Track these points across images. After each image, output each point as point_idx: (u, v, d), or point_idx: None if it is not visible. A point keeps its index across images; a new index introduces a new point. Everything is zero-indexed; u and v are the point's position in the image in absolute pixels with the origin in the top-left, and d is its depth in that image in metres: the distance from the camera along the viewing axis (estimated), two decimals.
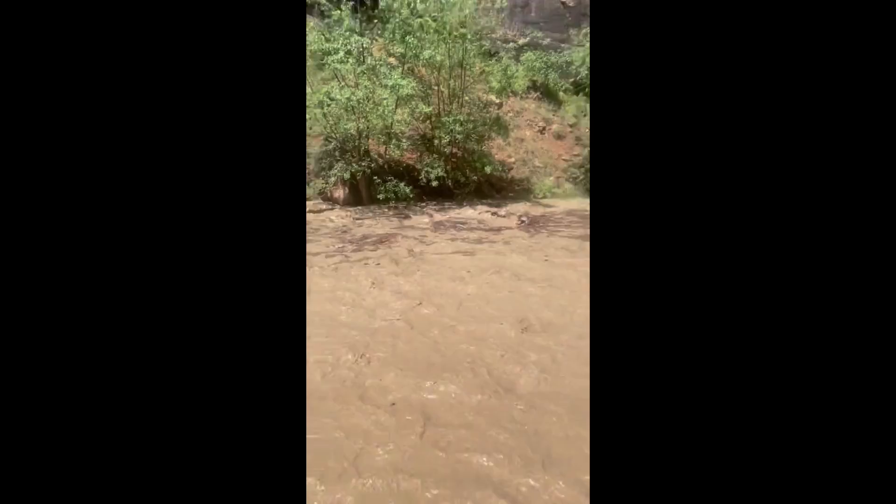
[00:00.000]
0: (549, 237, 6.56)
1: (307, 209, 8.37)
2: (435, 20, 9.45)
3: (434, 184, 9.27)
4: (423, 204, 9.50)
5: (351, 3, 9.89)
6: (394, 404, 2.19)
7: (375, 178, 9.14)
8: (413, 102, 9.37)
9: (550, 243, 6.03)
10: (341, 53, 8.66)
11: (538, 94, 13.65)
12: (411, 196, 9.17)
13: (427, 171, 9.37)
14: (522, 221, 8.14)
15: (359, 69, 8.83)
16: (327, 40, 8.87)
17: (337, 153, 9.19)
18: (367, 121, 8.94)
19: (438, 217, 8.24)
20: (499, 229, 7.17)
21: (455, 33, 9.42)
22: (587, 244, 5.75)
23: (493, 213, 8.49)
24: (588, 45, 13.19)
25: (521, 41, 13.97)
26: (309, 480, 1.66)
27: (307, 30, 8.77)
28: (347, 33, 9.02)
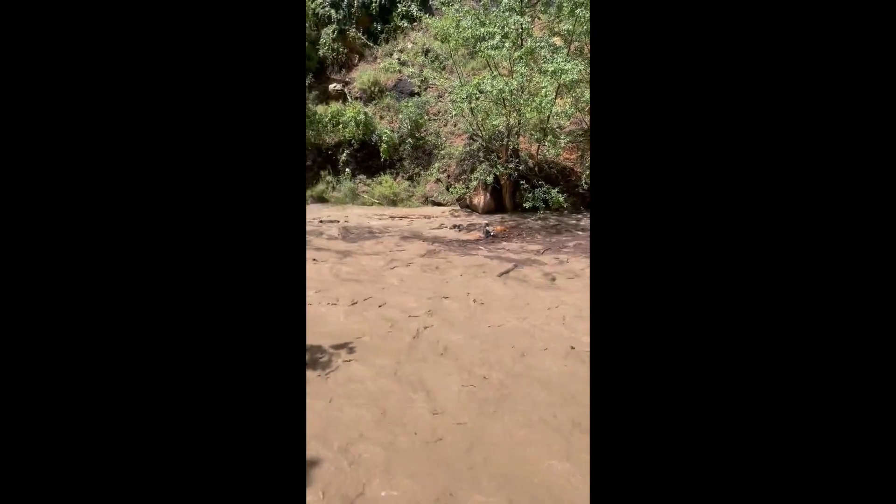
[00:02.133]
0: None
1: (444, 215, 7.53)
2: None
3: None
4: (580, 215, 7.69)
5: None
6: None
7: (523, 182, 7.73)
8: (578, 89, 7.56)
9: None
10: (497, 38, 7.45)
11: None
12: (565, 205, 7.46)
13: (588, 175, 7.49)
14: (488, 233, 6.46)
15: (515, 54, 7.50)
16: (482, 24, 7.75)
17: (481, 153, 8.08)
18: (520, 115, 7.56)
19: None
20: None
21: None
22: None
23: None
24: None
25: None
26: None
27: (462, 14, 7.83)
28: (506, 14, 7.73)
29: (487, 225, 6.89)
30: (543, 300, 3.88)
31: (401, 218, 7.87)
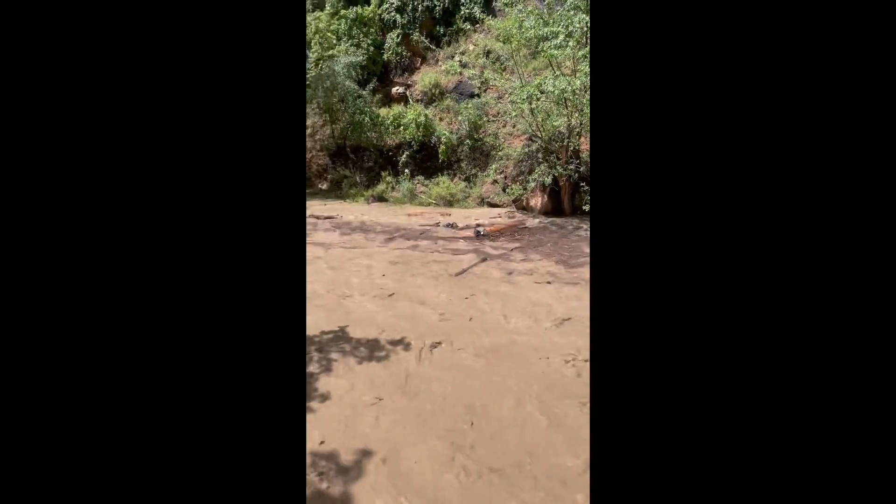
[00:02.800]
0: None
1: (500, 216, 7.49)
2: None
3: None
4: None
5: None
6: None
7: (583, 184, 7.50)
8: None
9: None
10: (560, 37, 7.30)
11: None
12: None
13: None
14: (478, 233, 6.48)
15: (579, 53, 7.30)
16: (546, 23, 7.63)
17: (540, 154, 7.95)
18: (582, 115, 7.36)
19: None
20: None
21: None
22: None
23: None
24: None
25: None
26: None
27: (525, 15, 7.76)
28: (571, 12, 7.55)
29: (478, 225, 6.97)
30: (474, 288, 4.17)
31: (417, 215, 8.10)
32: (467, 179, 9.59)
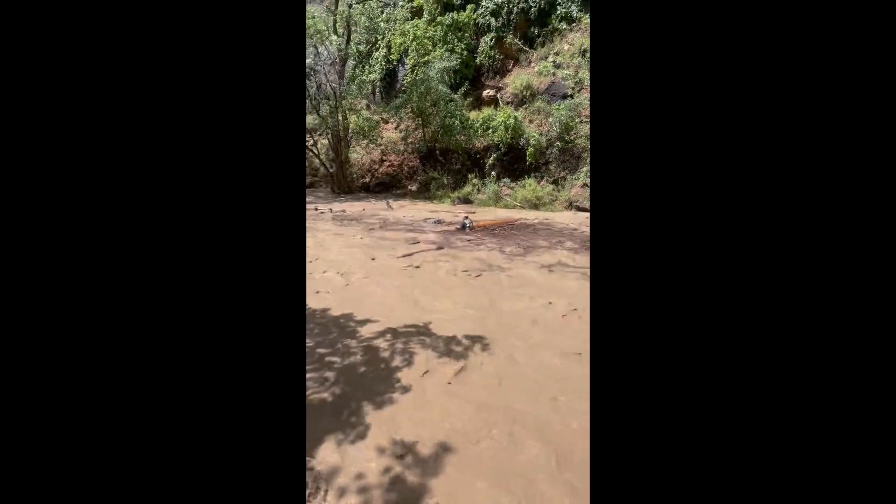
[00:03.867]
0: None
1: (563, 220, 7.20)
2: None
3: None
4: None
5: None
6: None
7: None
8: None
9: None
10: None
11: None
12: None
13: None
14: (465, 225, 6.68)
15: None
16: None
17: None
18: None
19: None
20: None
21: None
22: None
23: None
24: None
25: None
26: None
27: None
28: None
29: (466, 218, 7.09)
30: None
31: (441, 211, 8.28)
32: (555, 182, 9.34)
